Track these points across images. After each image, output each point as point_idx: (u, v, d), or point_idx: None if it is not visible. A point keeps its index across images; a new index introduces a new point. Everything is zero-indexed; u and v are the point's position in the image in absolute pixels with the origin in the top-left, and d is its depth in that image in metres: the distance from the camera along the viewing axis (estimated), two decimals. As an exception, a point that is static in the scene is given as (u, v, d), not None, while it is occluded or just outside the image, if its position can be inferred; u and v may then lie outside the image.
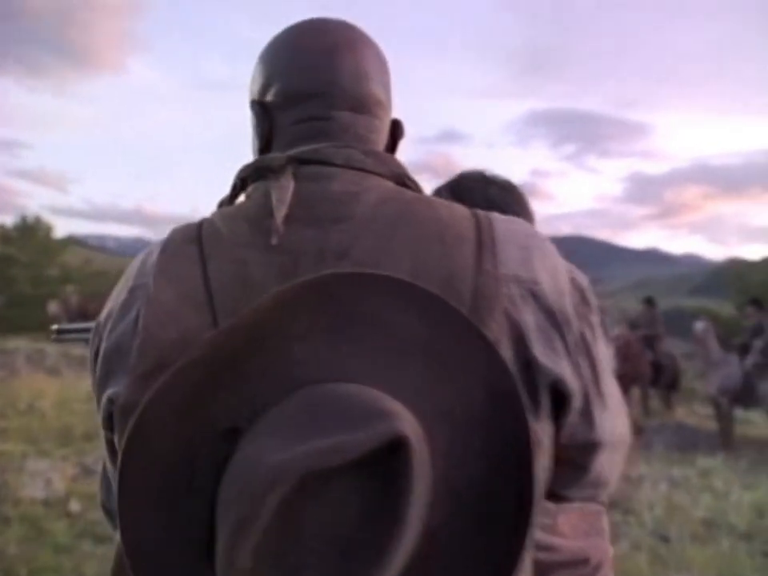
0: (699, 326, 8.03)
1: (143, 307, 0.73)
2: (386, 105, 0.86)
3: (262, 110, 0.85)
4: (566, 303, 0.75)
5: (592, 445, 0.78)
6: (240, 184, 0.82)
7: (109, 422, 0.75)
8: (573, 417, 0.75)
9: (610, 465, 0.81)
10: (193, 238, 0.76)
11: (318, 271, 0.69)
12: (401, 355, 0.65)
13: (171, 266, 0.74)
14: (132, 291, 0.75)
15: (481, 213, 0.78)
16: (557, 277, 0.77)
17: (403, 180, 0.81)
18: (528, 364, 0.71)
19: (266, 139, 0.85)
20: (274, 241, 0.72)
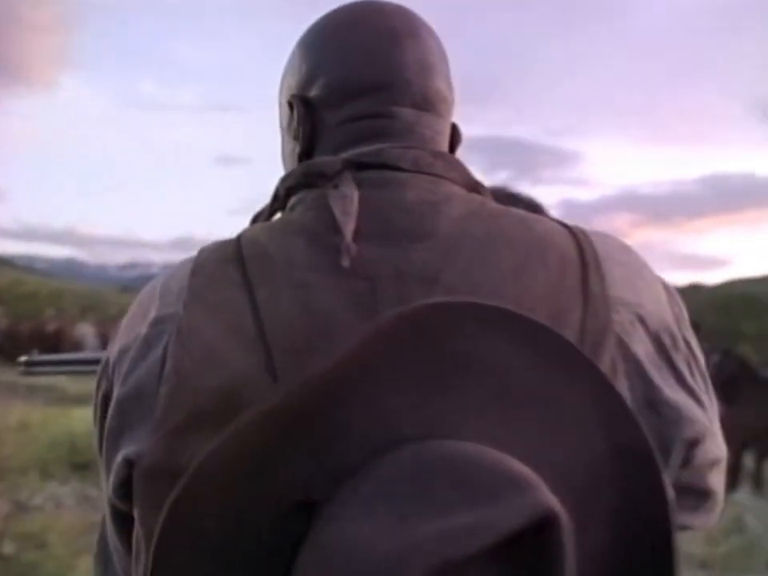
0: None
1: (173, 344, 0.58)
2: (450, 103, 0.74)
3: (305, 106, 0.72)
4: (671, 324, 0.65)
5: (713, 463, 0.67)
6: (284, 194, 0.69)
7: (124, 489, 0.60)
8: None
9: (721, 482, 0.71)
10: (232, 258, 0.62)
11: (400, 298, 0.57)
12: (513, 406, 0.53)
13: (209, 293, 0.60)
14: (155, 324, 0.61)
15: (575, 227, 0.67)
16: (658, 295, 0.67)
17: (477, 188, 0.69)
18: (650, 403, 0.61)
19: (308, 141, 0.72)
20: (346, 262, 0.58)
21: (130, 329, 0.64)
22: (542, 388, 0.53)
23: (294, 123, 0.73)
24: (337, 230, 0.60)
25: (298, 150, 0.72)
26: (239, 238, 0.64)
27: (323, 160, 0.67)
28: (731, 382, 6.01)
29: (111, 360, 0.64)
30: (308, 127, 0.72)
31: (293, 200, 0.68)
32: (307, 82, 0.72)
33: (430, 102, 0.71)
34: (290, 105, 0.73)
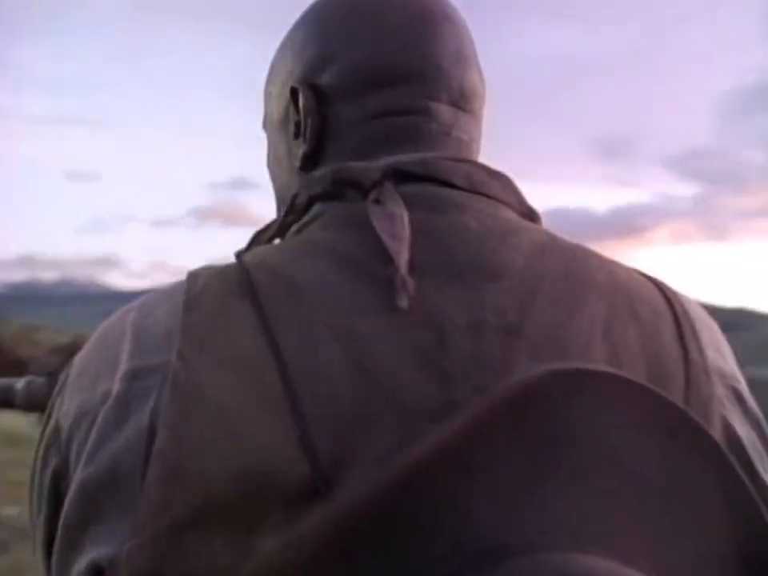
0: None
1: (168, 407, 0.43)
2: (483, 103, 0.62)
3: (314, 96, 0.57)
4: (752, 399, 0.55)
5: None
6: (305, 205, 0.54)
7: None
8: None
9: None
10: (240, 290, 0.47)
11: (476, 354, 0.45)
12: (639, 504, 0.41)
13: (214, 337, 0.45)
14: (132, 378, 0.45)
15: (651, 275, 0.56)
16: (736, 365, 0.56)
17: (532, 215, 0.56)
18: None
19: (317, 140, 0.57)
20: (403, 302, 0.45)
21: (91, 383, 0.48)
22: (671, 481, 0.42)
23: (297, 117, 0.58)
24: (386, 258, 0.46)
25: (303, 150, 0.58)
26: (241, 261, 0.49)
27: (357, 166, 0.53)
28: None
29: (65, 425, 0.48)
30: (317, 122, 0.57)
31: (313, 211, 0.53)
32: (317, 66, 0.58)
33: (467, 99, 0.58)
34: (293, 94, 0.58)
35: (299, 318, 0.45)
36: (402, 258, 0.46)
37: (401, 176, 0.52)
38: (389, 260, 0.46)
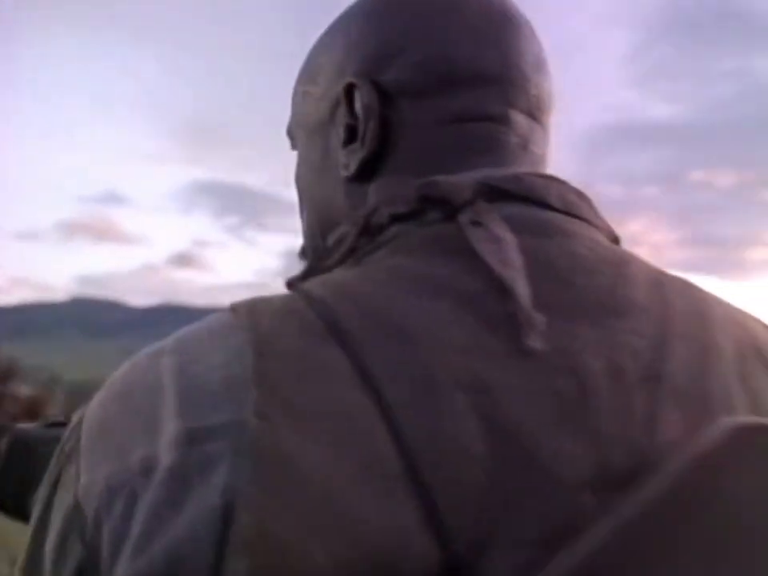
0: None
1: (249, 483, 0.33)
2: (551, 117, 0.55)
3: (375, 95, 0.48)
4: None
5: None
6: (385, 224, 0.45)
7: None
8: None
9: None
10: (320, 329, 0.37)
11: (621, 406, 0.37)
12: None
13: (299, 389, 0.35)
14: (189, 443, 0.35)
15: (751, 312, 0.49)
16: None
17: (617, 240, 0.50)
18: None
19: (375, 145, 0.48)
20: (536, 343, 0.37)
21: (119, 449, 0.37)
22: None
23: (350, 119, 0.49)
24: (499, 290, 0.39)
25: (362, 156, 0.49)
26: (309, 293, 0.40)
27: (447, 181, 0.44)
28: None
29: (88, 504, 0.37)
30: (376, 125, 0.48)
31: (390, 233, 0.45)
32: (379, 61, 0.49)
33: (542, 110, 0.52)
34: (348, 91, 0.49)
35: (406, 364, 0.36)
36: (522, 289, 0.39)
37: (493, 194, 0.44)
38: (504, 293, 0.39)
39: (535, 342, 0.37)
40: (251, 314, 0.39)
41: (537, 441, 0.35)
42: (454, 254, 0.41)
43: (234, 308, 0.40)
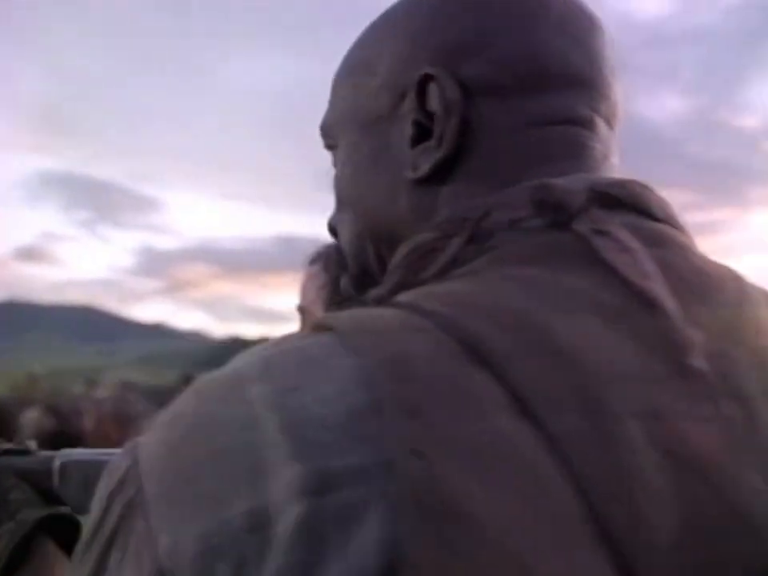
0: None
1: (413, 536, 0.27)
2: None
3: (458, 89, 0.44)
4: None
5: None
6: (494, 231, 0.40)
7: None
8: None
9: None
10: (461, 351, 0.32)
11: None
12: None
13: (451, 422, 0.30)
14: (319, 492, 0.29)
15: None
16: None
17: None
18: None
19: (454, 145, 0.43)
20: (702, 364, 0.34)
21: (210, 500, 0.30)
22: None
23: (418, 115, 0.44)
24: (646, 304, 0.35)
25: (440, 156, 0.44)
26: (421, 309, 0.35)
27: (561, 185, 0.41)
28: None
29: (177, 566, 0.30)
30: (454, 123, 0.43)
31: (494, 240, 0.40)
32: (458, 52, 0.45)
33: (617, 117, 0.48)
34: (422, 84, 0.44)
35: (567, 389, 0.32)
36: (670, 304, 0.36)
37: (603, 200, 0.41)
38: (650, 308, 0.35)
39: (700, 363, 0.34)
40: (362, 333, 0.34)
41: (721, 474, 0.32)
42: (585, 265, 0.37)
43: (331, 326, 0.35)
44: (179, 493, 0.31)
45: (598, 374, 0.33)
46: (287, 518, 0.28)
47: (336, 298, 0.54)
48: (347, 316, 0.36)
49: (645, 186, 0.44)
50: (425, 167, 0.44)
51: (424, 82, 0.44)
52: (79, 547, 0.35)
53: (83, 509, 0.65)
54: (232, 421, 0.32)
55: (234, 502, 0.30)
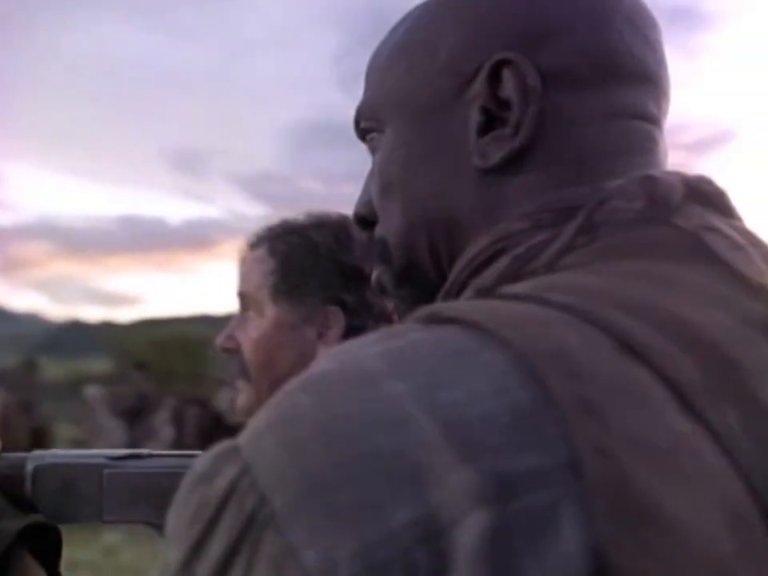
0: (92, 391, 8.22)
1: (618, 540, 0.27)
2: None
3: (535, 77, 0.42)
4: None
5: None
6: (597, 225, 0.39)
7: None
8: None
9: None
10: (609, 343, 0.31)
11: None
12: None
13: (627, 420, 0.29)
14: (506, 497, 0.27)
15: None
16: None
17: None
18: None
19: (531, 134, 0.42)
20: None
21: (364, 508, 0.28)
22: None
23: (488, 102, 0.43)
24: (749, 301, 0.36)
25: (515, 145, 0.42)
26: (553, 302, 0.34)
27: (665, 179, 0.41)
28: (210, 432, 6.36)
29: None
30: (532, 112, 0.42)
31: (597, 244, 0.40)
32: (535, 38, 0.43)
33: (666, 116, 0.49)
34: (496, 69, 0.43)
35: (727, 386, 0.32)
36: None
37: (694, 196, 0.41)
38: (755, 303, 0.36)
39: None
40: (507, 327, 0.32)
41: None
42: (697, 261, 0.38)
43: (455, 318, 0.33)
44: (320, 502, 0.28)
45: (746, 369, 0.33)
46: (467, 529, 0.27)
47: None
48: (472, 308, 0.35)
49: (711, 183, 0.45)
50: (496, 156, 0.42)
51: (498, 68, 0.43)
52: (170, 571, 0.31)
53: (61, 517, 0.61)
54: (375, 420, 0.29)
55: (393, 511, 0.27)
